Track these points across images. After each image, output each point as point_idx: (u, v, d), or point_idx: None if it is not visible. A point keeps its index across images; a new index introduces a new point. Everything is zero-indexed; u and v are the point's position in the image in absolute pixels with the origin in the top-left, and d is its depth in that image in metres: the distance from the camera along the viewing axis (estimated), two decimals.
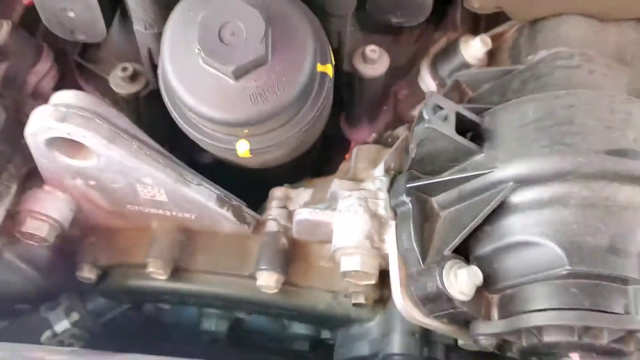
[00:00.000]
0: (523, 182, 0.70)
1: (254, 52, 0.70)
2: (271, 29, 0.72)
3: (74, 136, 0.76)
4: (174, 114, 0.81)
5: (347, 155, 1.08)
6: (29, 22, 1.02)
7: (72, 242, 1.00)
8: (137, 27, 0.82)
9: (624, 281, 0.68)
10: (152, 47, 0.85)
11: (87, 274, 0.98)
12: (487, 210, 0.72)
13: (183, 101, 0.75)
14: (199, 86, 0.74)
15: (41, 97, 1.01)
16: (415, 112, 1.04)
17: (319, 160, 1.10)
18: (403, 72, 1.05)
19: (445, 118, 0.74)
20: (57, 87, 1.03)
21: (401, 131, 0.97)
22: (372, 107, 1.04)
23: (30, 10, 1.00)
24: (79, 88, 1.08)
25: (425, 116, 0.73)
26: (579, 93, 0.73)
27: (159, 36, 0.82)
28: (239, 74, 0.71)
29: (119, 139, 0.77)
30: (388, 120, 1.06)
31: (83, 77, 1.08)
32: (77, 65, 1.07)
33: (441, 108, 0.74)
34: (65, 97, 0.78)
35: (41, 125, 0.75)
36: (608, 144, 0.68)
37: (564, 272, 0.68)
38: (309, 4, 0.81)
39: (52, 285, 1.07)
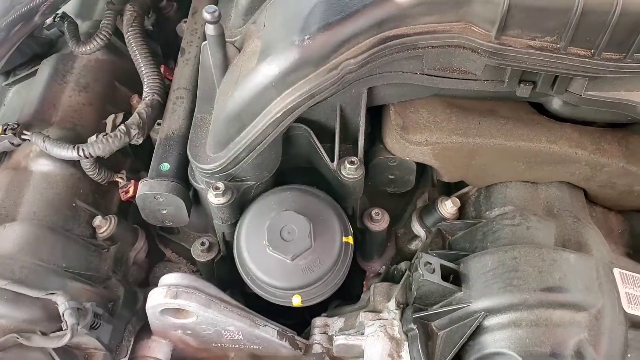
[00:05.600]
0: (489, 312, 1.05)
1: (304, 244, 1.06)
2: (312, 224, 1.09)
3: (182, 307, 1.11)
4: (247, 280, 1.16)
5: (364, 282, 1.44)
6: (124, 209, 1.40)
7: None
8: (216, 221, 1.19)
9: None
10: (225, 232, 1.22)
11: None
12: (468, 332, 1.05)
13: (255, 274, 1.11)
14: (266, 265, 1.10)
15: (136, 265, 1.37)
16: (410, 246, 1.41)
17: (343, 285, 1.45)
18: (398, 218, 1.43)
19: (433, 271, 1.10)
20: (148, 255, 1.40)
21: (403, 266, 1.32)
22: (380, 246, 1.40)
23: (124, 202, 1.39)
24: (161, 252, 1.45)
25: (420, 271, 1.09)
26: (519, 247, 1.08)
27: (231, 227, 1.19)
28: (294, 258, 1.07)
29: (213, 304, 1.12)
30: (392, 254, 1.42)
31: (163, 244, 1.44)
32: (157, 235, 1.45)
33: (430, 263, 1.10)
34: (173, 278, 1.13)
35: (160, 302, 1.11)
36: (542, 283, 1.04)
37: None
38: (333, 195, 1.19)
39: None
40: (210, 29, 1.00)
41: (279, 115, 1.01)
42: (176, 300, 1.09)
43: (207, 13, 0.97)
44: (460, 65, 1.05)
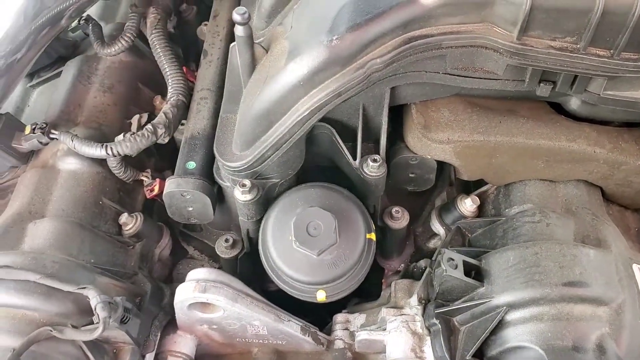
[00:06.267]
0: (511, 306, 1.07)
1: (329, 240, 1.09)
2: (337, 220, 1.12)
3: (210, 301, 1.13)
4: (272, 275, 1.19)
5: (383, 280, 1.46)
6: (148, 207, 1.43)
7: None
8: (242, 218, 1.22)
9: None
10: (250, 229, 1.25)
11: None
12: (491, 326, 1.08)
13: (281, 269, 1.14)
14: (293, 260, 1.12)
15: (160, 261, 1.40)
16: (429, 245, 1.44)
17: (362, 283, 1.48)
18: (417, 216, 1.45)
19: (456, 267, 1.12)
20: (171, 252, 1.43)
21: (423, 263, 1.35)
22: (399, 244, 1.42)
23: (148, 200, 1.41)
24: (184, 250, 1.47)
25: (443, 267, 1.11)
26: (540, 243, 1.10)
27: (256, 223, 1.22)
28: (320, 253, 1.10)
29: (240, 298, 1.15)
30: (411, 252, 1.44)
31: (186, 241, 1.47)
32: (180, 232, 1.47)
33: (453, 259, 1.13)
34: (201, 273, 1.15)
35: (188, 296, 1.13)
36: (563, 278, 1.06)
37: None
38: (355, 193, 1.22)
39: None
40: (239, 30, 1.03)
41: (306, 113, 1.04)
42: (205, 294, 1.12)
43: (237, 15, 1.00)
44: (482, 64, 1.08)
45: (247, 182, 1.15)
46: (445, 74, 1.10)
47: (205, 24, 1.57)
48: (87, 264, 1.17)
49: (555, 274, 1.06)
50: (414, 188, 1.33)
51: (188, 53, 1.66)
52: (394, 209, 1.31)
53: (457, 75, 1.10)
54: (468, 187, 1.38)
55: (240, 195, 1.15)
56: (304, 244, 1.10)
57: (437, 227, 1.35)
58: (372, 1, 0.99)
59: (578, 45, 1.00)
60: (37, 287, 1.08)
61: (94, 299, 1.07)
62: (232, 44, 1.12)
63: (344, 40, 0.99)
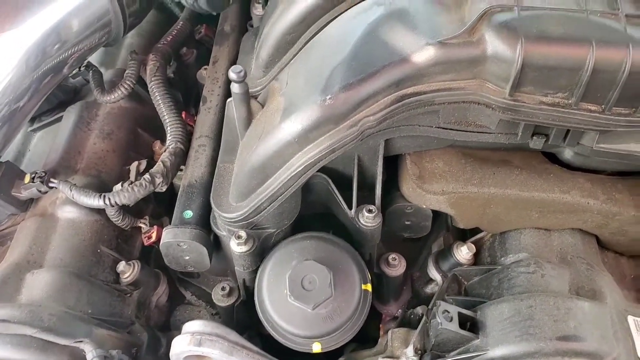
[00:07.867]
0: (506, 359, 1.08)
1: (324, 294, 1.10)
2: (332, 273, 1.12)
3: (206, 354, 1.13)
4: (268, 327, 1.18)
5: (381, 326, 1.46)
6: (146, 254, 1.44)
7: None
8: (238, 268, 1.23)
9: None
10: (246, 278, 1.25)
11: None
12: None
13: (277, 322, 1.14)
14: (288, 313, 1.13)
15: (157, 308, 1.40)
16: (427, 290, 1.44)
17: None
18: (414, 260, 1.46)
19: (451, 319, 1.12)
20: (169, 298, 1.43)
21: (419, 310, 1.35)
22: (396, 290, 1.42)
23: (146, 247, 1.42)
24: (181, 295, 1.48)
25: (438, 319, 1.12)
26: (534, 296, 1.11)
27: (252, 273, 1.23)
28: (315, 307, 1.10)
29: (235, 351, 1.15)
30: (408, 297, 1.45)
31: (183, 286, 1.48)
32: (178, 278, 1.48)
33: (448, 312, 1.13)
34: (196, 326, 1.16)
35: (184, 349, 1.13)
36: (557, 332, 1.06)
37: None
38: (350, 241, 1.22)
39: None
40: (235, 87, 1.05)
41: (300, 168, 1.05)
42: (200, 348, 1.12)
43: (234, 73, 1.02)
44: (474, 119, 1.09)
45: (243, 233, 1.15)
46: (439, 127, 1.11)
47: (205, 68, 1.59)
48: (84, 315, 1.17)
49: (549, 327, 1.06)
50: (410, 235, 1.34)
51: (188, 97, 1.68)
52: (391, 256, 1.31)
53: (450, 129, 1.11)
54: (464, 233, 1.39)
55: (236, 247, 1.16)
56: (299, 299, 1.10)
57: (433, 273, 1.36)
58: (364, 60, 1.01)
59: (570, 101, 1.02)
60: (34, 341, 1.09)
61: (89, 353, 1.07)
62: (229, 100, 1.13)
63: (337, 100, 1.00)
